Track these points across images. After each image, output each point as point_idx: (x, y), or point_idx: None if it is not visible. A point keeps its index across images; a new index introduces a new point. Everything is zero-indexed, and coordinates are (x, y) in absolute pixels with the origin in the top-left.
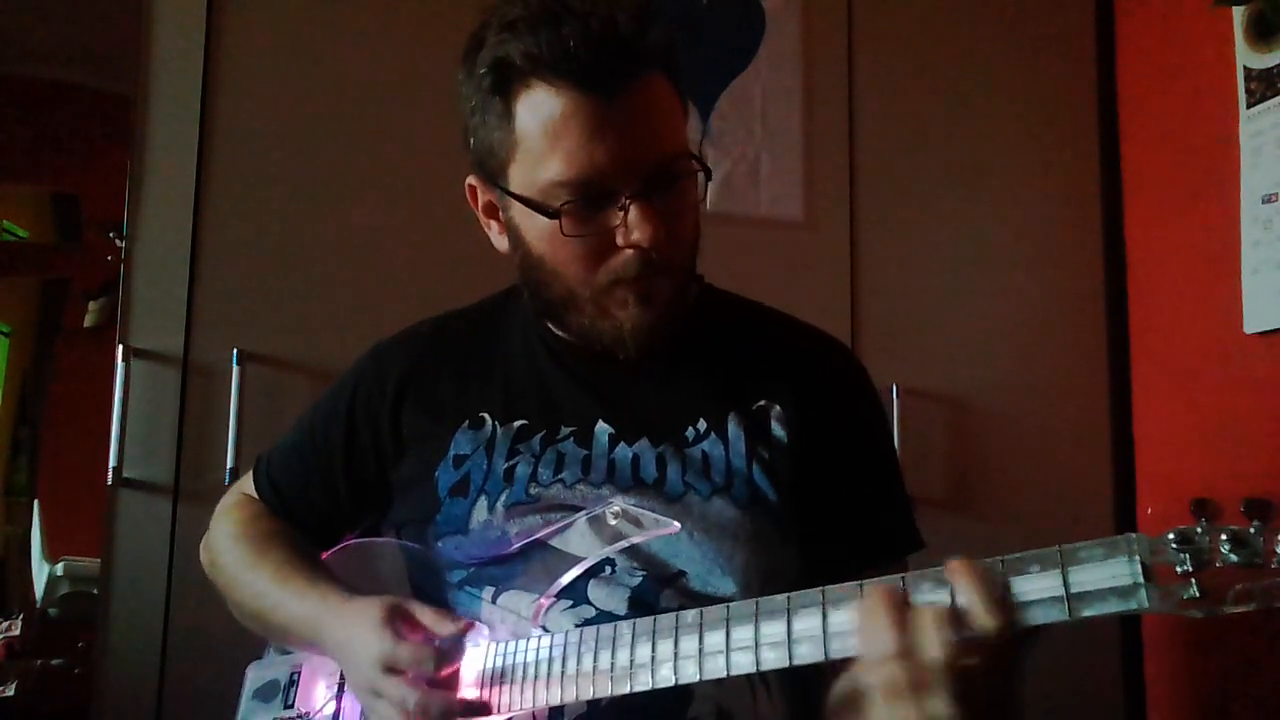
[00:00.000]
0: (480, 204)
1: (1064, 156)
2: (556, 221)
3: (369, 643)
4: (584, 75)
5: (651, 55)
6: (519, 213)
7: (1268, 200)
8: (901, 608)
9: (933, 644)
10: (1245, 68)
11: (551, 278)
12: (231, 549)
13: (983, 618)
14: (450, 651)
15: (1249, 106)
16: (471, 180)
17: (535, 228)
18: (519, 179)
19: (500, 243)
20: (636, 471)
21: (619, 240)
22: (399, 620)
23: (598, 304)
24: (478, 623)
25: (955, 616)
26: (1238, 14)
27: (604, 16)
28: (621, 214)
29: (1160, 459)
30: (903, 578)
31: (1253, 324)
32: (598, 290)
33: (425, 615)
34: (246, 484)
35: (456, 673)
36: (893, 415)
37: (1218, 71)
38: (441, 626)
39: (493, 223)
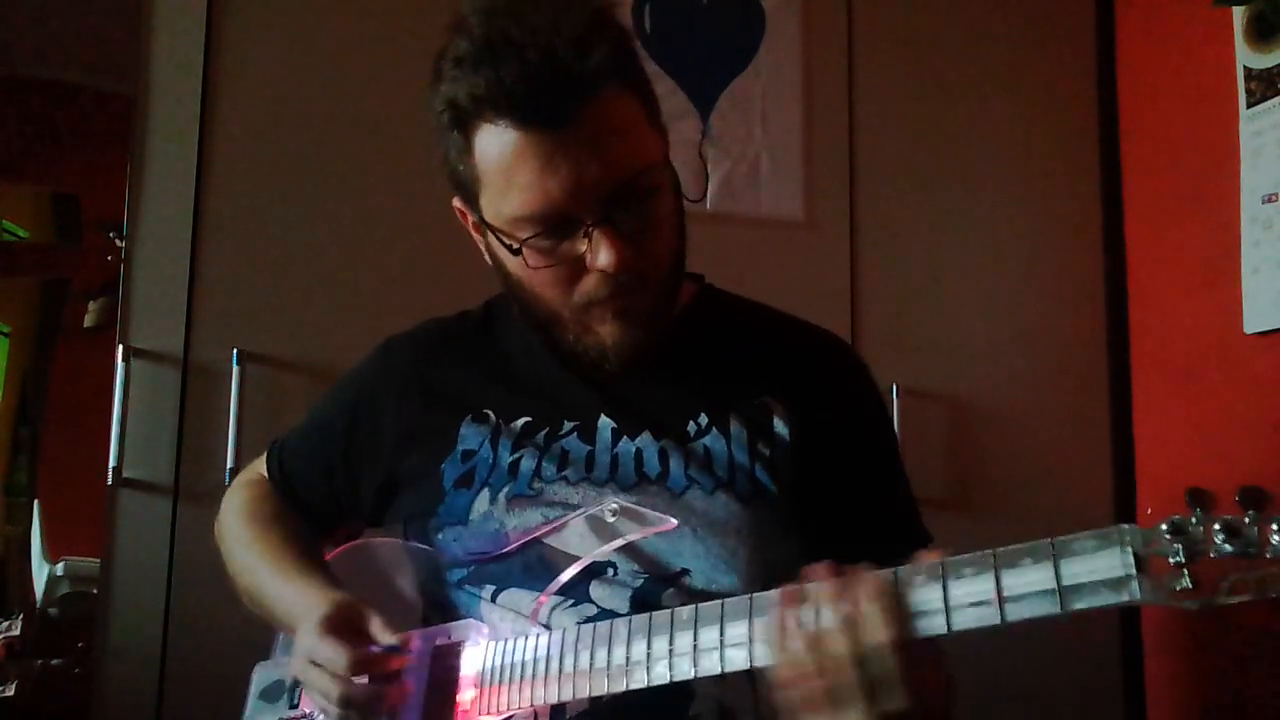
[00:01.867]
0: (470, 223)
1: (1064, 156)
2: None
3: (305, 632)
4: (527, 112)
5: (599, 75)
6: (493, 239)
7: (1268, 200)
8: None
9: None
10: (1245, 68)
11: (533, 299)
12: (235, 524)
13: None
14: (374, 660)
15: (1249, 106)
16: (456, 203)
17: (510, 256)
18: (488, 210)
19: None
20: (640, 466)
21: (587, 264)
22: (341, 619)
23: (580, 322)
24: (418, 640)
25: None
26: (1238, 14)
27: (543, 46)
28: (586, 240)
29: (1160, 459)
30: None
31: (1253, 324)
32: (576, 310)
33: (373, 623)
34: (262, 464)
35: (396, 670)
36: (893, 415)
37: (1218, 71)
38: (382, 635)
39: (483, 240)
